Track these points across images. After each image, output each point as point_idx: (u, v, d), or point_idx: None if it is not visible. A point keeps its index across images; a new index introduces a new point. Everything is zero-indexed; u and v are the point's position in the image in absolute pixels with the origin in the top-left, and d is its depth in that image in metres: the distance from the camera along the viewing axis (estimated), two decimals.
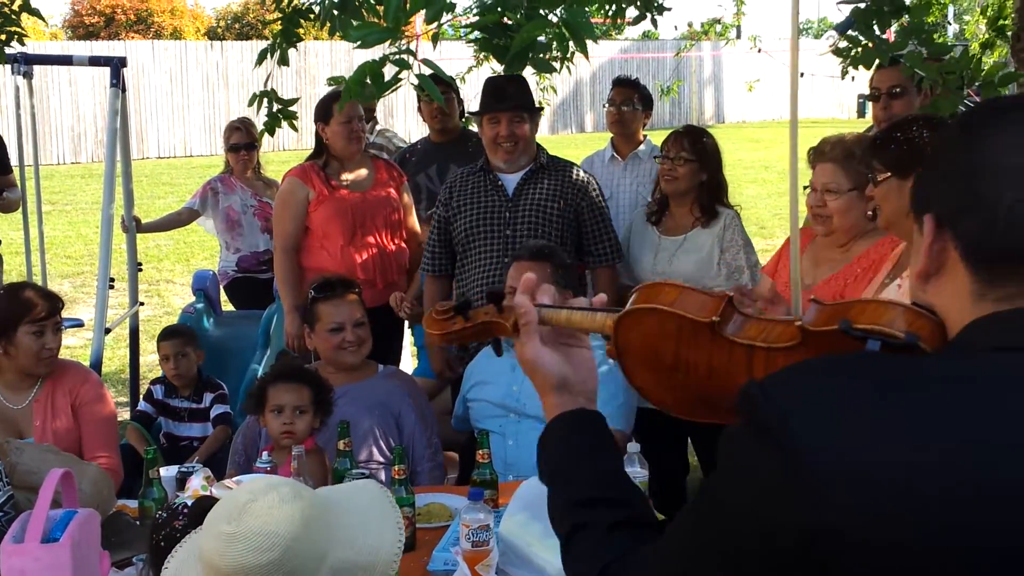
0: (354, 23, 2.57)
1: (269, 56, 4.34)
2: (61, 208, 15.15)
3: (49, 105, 20.34)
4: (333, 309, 3.89)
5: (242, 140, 6.21)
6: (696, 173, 4.33)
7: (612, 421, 3.59)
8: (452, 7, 2.22)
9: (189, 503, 2.52)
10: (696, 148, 4.33)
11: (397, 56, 2.17)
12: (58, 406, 3.74)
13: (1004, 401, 1.02)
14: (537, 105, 4.67)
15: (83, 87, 20.74)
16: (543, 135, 25.22)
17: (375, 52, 2.38)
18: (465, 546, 2.67)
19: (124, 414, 5.88)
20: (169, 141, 21.50)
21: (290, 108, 4.41)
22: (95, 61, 6.35)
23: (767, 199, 14.58)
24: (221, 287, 6.22)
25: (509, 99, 4.37)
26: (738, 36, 9.87)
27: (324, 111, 4.82)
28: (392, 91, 2.29)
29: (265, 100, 4.31)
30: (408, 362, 5.42)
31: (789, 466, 1.00)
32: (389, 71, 2.26)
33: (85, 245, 12.14)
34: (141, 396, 5.27)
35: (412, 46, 2.86)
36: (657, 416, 2.08)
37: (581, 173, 4.55)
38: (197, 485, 2.90)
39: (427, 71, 2.42)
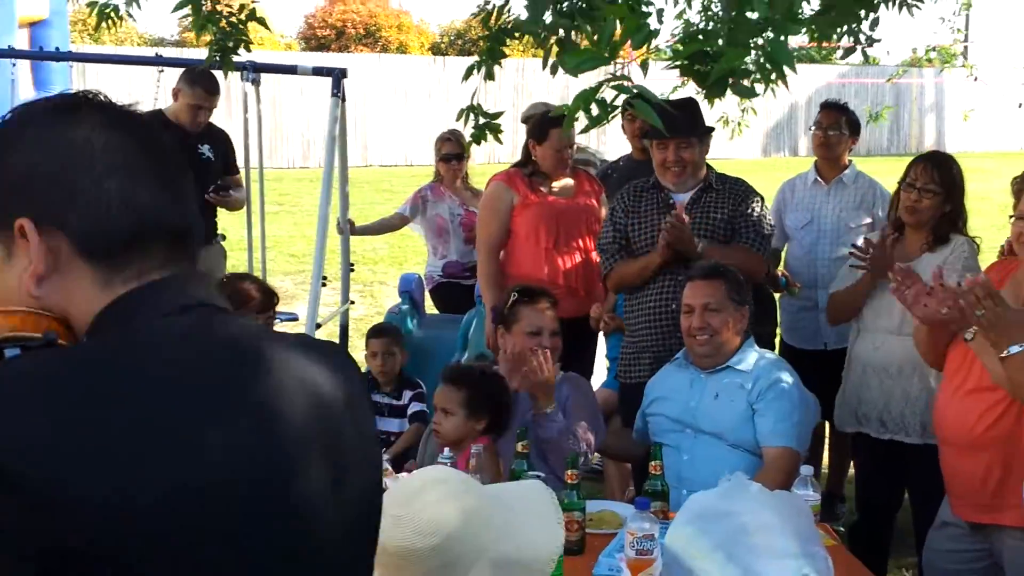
0: (566, 50, 2.65)
1: (476, 71, 4.50)
2: (288, 209, 15.90)
3: (282, 112, 21.36)
4: (534, 314, 4.00)
5: (452, 151, 6.43)
6: (940, 205, 4.16)
7: (784, 439, 3.59)
8: (657, 33, 2.28)
9: None
10: (945, 180, 4.15)
11: (616, 82, 2.24)
12: None
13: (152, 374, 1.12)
14: (709, 126, 4.64)
15: (313, 96, 21.72)
16: (755, 158, 24.90)
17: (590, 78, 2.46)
18: (629, 554, 2.73)
19: None
20: (391, 151, 22.27)
21: (495, 121, 4.55)
22: (318, 71, 6.68)
23: (983, 231, 13.91)
24: (426, 291, 6.46)
25: (676, 126, 4.39)
26: (963, 64, 9.55)
27: (539, 131, 4.99)
28: (612, 118, 2.35)
29: (472, 114, 4.46)
30: (601, 374, 5.50)
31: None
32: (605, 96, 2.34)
33: (307, 245, 12.72)
34: None
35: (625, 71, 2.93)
36: None
37: (747, 186, 4.53)
38: None
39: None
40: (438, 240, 6.51)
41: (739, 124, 8.18)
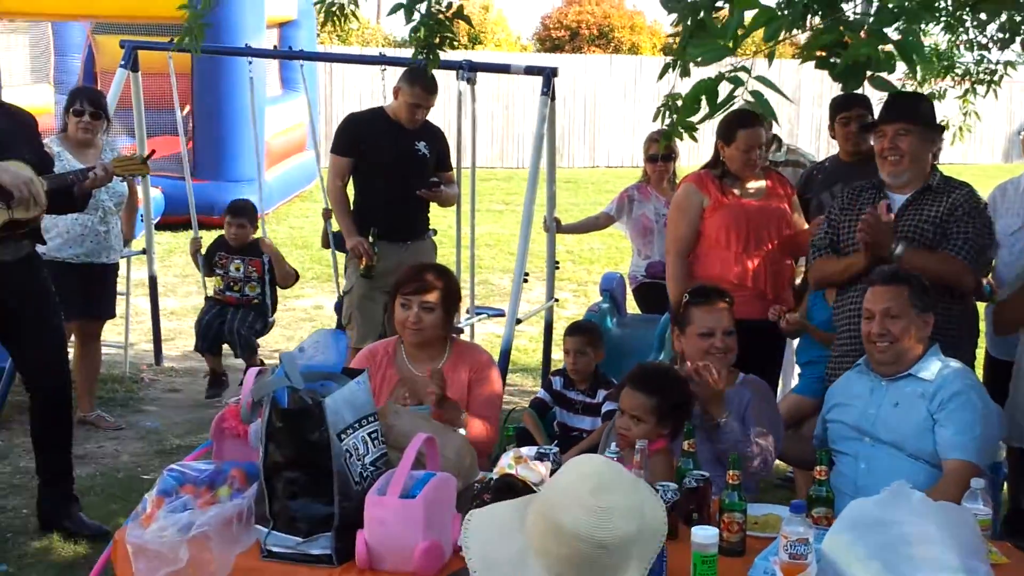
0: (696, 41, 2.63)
1: (671, 70, 4.48)
2: (513, 208, 16.18)
3: (514, 113, 21.70)
4: (706, 315, 3.98)
5: (660, 151, 6.43)
6: None
7: (964, 452, 3.44)
8: (792, 25, 2.25)
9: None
10: None
11: (732, 73, 2.24)
12: (458, 380, 4.07)
13: None
14: (940, 124, 4.48)
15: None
16: (996, 163, 23.63)
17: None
18: (783, 557, 2.69)
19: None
20: (619, 151, 22.33)
21: (689, 120, 4.52)
22: (530, 70, 6.80)
23: None
24: (629, 290, 6.48)
25: (896, 112, 4.26)
26: None
27: (726, 132, 4.96)
28: (725, 110, 2.34)
29: (667, 111, 4.44)
30: (794, 378, 5.40)
31: None
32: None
33: (531, 246, 12.92)
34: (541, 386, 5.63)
35: (748, 63, 2.85)
36: None
37: (970, 191, 4.31)
38: (505, 464, 3.12)
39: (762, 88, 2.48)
40: (642, 240, 6.53)
41: (960, 128, 7.81)
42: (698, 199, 5.03)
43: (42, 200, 4.56)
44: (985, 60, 7.41)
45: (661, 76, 4.55)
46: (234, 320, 6.80)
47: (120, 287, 6.78)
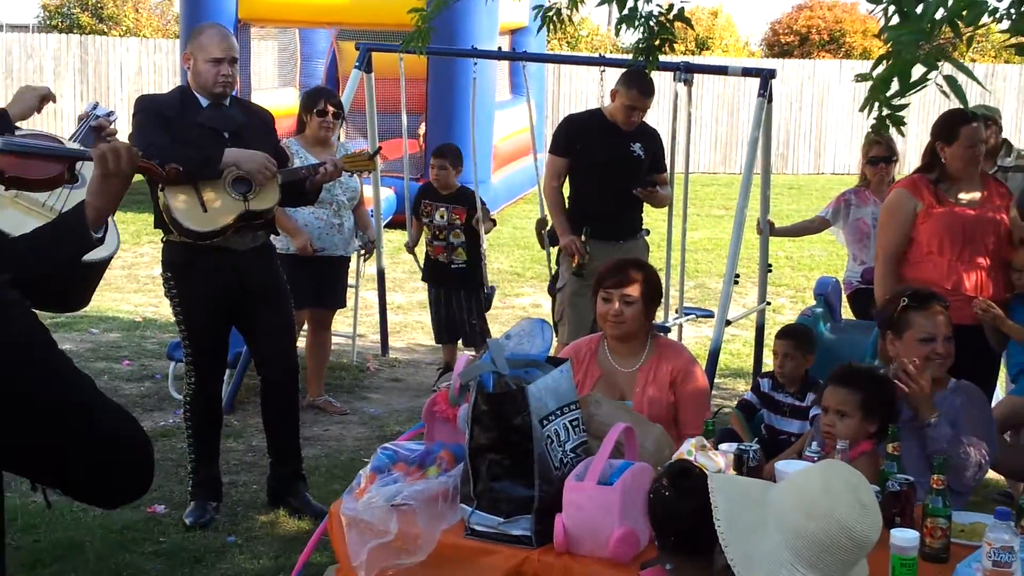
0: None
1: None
2: (733, 214, 15.98)
3: (739, 118, 21.41)
4: (927, 320, 3.88)
5: (880, 153, 6.29)
6: None
7: None
8: (995, 11, 2.18)
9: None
10: None
11: (923, 56, 2.20)
12: (659, 377, 4.11)
13: None
14: None
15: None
16: None
17: None
18: (986, 565, 2.63)
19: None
20: (845, 157, 21.72)
21: (898, 113, 4.41)
22: (747, 72, 6.76)
23: None
24: (844, 296, 6.36)
25: None
26: None
27: (947, 131, 4.82)
28: (916, 91, 2.30)
29: (876, 104, 4.34)
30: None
31: None
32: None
33: (746, 249, 12.79)
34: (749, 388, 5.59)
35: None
36: None
37: None
38: (684, 449, 3.14)
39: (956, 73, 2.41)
40: (859, 246, 6.39)
41: None
42: (911, 204, 4.90)
43: (276, 192, 4.86)
44: None
45: (862, 79, 4.48)
46: (461, 311, 7.07)
47: (350, 280, 7.11)
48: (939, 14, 2.21)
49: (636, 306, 4.11)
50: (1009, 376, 5.10)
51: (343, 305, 6.97)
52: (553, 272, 7.04)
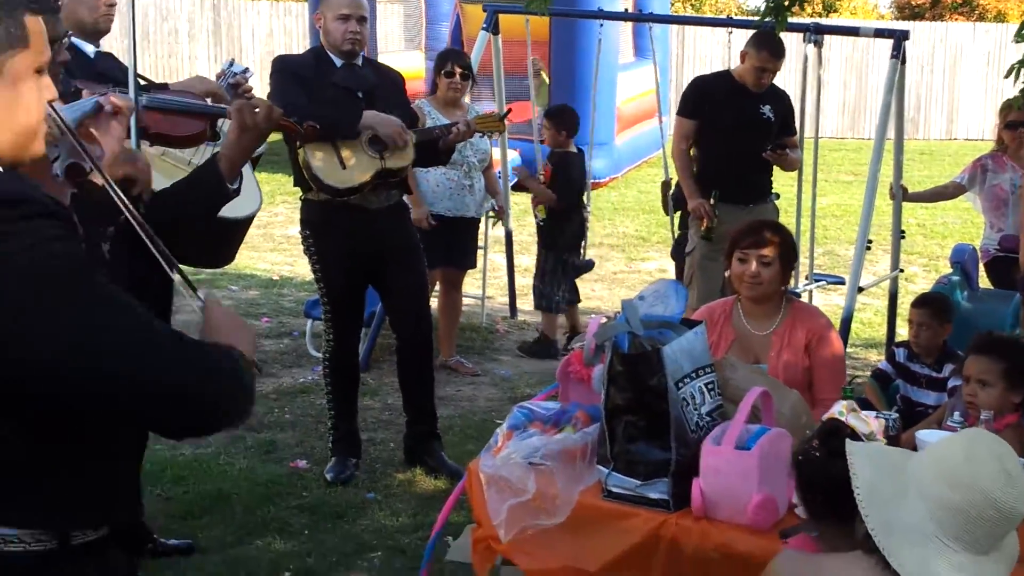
0: None
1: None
2: (862, 180, 15.58)
3: (868, 83, 20.87)
4: None
5: (1019, 118, 6.11)
6: None
7: None
8: None
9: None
10: None
11: None
12: (794, 340, 4.08)
13: None
14: None
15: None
16: None
17: None
18: None
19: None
20: (979, 123, 21.04)
21: None
22: (879, 33, 6.61)
23: None
24: (981, 264, 6.22)
25: None
26: None
27: None
28: None
29: (1021, 69, 4.20)
30: None
31: None
32: None
33: (878, 216, 12.51)
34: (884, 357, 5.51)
35: None
36: None
37: None
38: (836, 410, 3.11)
39: None
40: (996, 213, 6.25)
41: None
42: None
43: (411, 151, 4.94)
44: None
45: (1019, 34, 4.33)
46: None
47: (479, 242, 7.20)
48: None
49: (773, 267, 4.09)
50: None
51: (474, 266, 7.06)
52: (676, 236, 7.02)
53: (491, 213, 7.18)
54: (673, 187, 6.97)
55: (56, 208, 1.62)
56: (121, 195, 1.95)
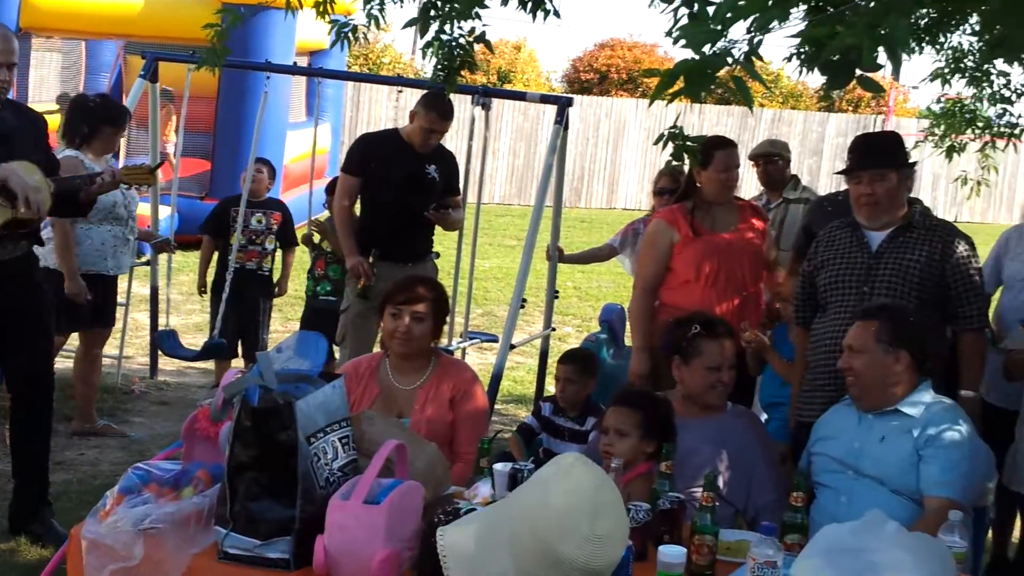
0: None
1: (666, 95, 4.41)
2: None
3: (536, 151, 21.67)
4: (717, 348, 3.96)
5: (667, 185, 6.38)
6: None
7: (947, 490, 3.37)
8: (786, 16, 2.17)
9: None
10: None
11: (713, 54, 2.18)
12: (440, 395, 4.04)
13: None
14: (911, 162, 4.42)
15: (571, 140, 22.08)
16: (1015, 222, 23.47)
17: None
18: None
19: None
20: (638, 194, 22.20)
21: (692, 144, 4.51)
22: (545, 99, 6.80)
23: None
24: (627, 322, 6.42)
25: (871, 158, 4.20)
26: None
27: (702, 155, 4.92)
28: (705, 90, 2.28)
29: (671, 140, 4.42)
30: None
31: None
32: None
33: (535, 278, 12.88)
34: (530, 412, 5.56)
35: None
36: None
37: (955, 234, 4.23)
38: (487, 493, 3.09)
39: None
40: None
41: (978, 183, 7.57)
42: (668, 236, 5.07)
43: (45, 210, 4.54)
44: (1007, 114, 7.23)
45: (653, 98, 4.51)
46: (254, 318, 7.23)
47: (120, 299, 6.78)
48: (729, 15, 2.19)
49: (425, 323, 4.07)
50: (761, 405, 5.24)
51: (113, 324, 6.63)
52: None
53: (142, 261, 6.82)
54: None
55: None
56: None
